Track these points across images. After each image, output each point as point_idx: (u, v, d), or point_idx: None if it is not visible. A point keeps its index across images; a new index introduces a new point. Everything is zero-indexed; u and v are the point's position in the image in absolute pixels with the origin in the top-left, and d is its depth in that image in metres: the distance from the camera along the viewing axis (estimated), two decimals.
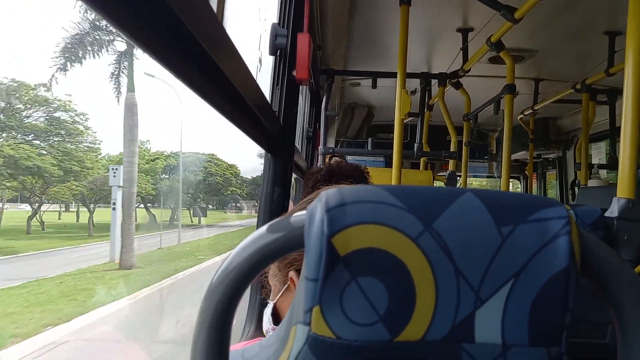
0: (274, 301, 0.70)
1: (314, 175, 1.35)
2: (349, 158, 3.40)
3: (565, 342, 0.32)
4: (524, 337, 0.31)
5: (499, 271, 0.31)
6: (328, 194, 0.32)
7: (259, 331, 1.28)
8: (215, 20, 0.60)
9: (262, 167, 1.33)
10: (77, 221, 23.91)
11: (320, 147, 2.70)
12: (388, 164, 3.36)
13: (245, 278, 0.33)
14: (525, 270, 0.31)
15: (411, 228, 0.30)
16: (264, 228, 0.34)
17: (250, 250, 0.33)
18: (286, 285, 0.66)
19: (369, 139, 2.77)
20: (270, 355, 0.36)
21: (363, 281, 0.30)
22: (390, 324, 0.31)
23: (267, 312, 0.74)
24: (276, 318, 0.71)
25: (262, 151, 1.31)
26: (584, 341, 1.05)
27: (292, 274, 0.62)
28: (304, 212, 0.33)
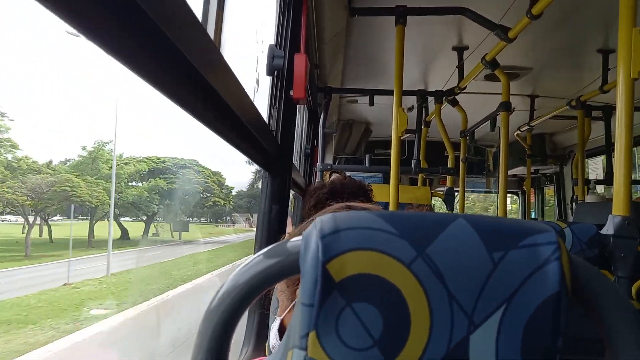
0: (282, 317, 0.71)
1: (315, 192, 1.35)
2: (347, 174, 3.41)
3: None
4: None
5: (491, 296, 0.31)
6: (323, 220, 0.32)
7: (257, 351, 1.27)
8: (211, 46, 0.61)
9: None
10: (41, 235, 19.02)
11: (318, 164, 2.71)
12: (386, 179, 3.37)
13: (242, 302, 0.33)
14: (517, 295, 0.31)
15: (404, 254, 0.31)
16: (260, 253, 0.34)
17: (248, 275, 0.33)
18: (293, 303, 0.66)
19: (367, 155, 2.78)
20: None
21: (358, 306, 0.31)
22: (386, 349, 0.31)
23: (274, 327, 0.74)
24: (283, 334, 0.71)
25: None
26: (582, 358, 1.04)
27: (299, 291, 0.62)
28: (299, 237, 0.33)
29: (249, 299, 0.33)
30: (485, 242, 0.32)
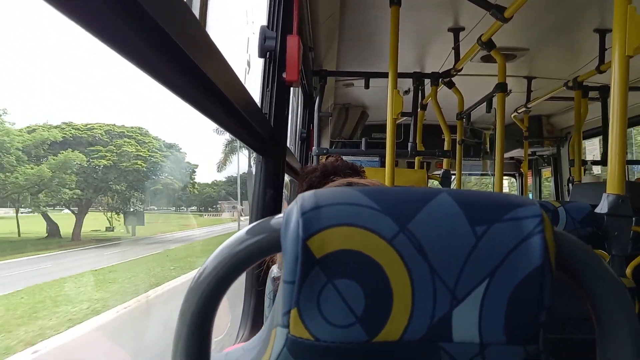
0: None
1: (308, 175, 1.34)
2: (344, 158, 3.39)
3: (542, 340, 0.32)
4: (501, 335, 0.31)
5: (474, 271, 0.31)
6: (304, 197, 0.32)
7: (253, 333, 1.28)
8: (197, 26, 0.60)
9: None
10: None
11: (314, 148, 2.70)
12: (383, 163, 3.37)
13: (224, 280, 0.33)
14: (500, 269, 0.31)
15: (386, 229, 0.31)
16: (243, 230, 0.34)
17: (229, 252, 0.33)
18: None
19: (363, 139, 2.77)
20: (252, 358, 0.37)
21: (339, 283, 0.31)
22: (368, 325, 0.31)
23: (267, 311, 0.74)
24: None
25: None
26: (571, 337, 1.05)
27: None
28: (281, 215, 0.33)
29: (232, 276, 0.33)
30: (468, 216, 0.31)
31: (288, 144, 1.61)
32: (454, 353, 0.32)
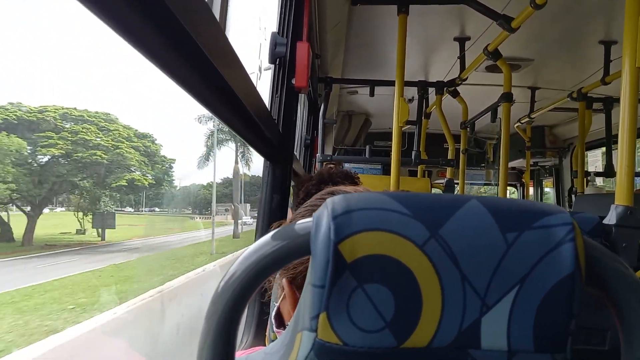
0: (277, 304, 0.71)
1: (304, 184, 1.34)
2: (347, 165, 3.40)
3: (569, 348, 0.32)
4: (529, 343, 0.31)
5: (505, 277, 0.31)
6: (334, 200, 0.32)
7: (257, 340, 1.27)
8: (219, 29, 0.60)
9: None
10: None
11: (318, 155, 2.71)
12: (386, 171, 3.37)
13: (250, 285, 0.33)
14: (531, 276, 0.31)
15: (417, 235, 0.31)
16: (268, 235, 0.34)
17: (255, 257, 0.33)
18: (284, 292, 0.66)
19: (367, 147, 2.78)
20: None
21: (369, 288, 0.30)
22: (397, 331, 0.31)
23: (272, 313, 0.75)
24: (279, 319, 0.72)
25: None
26: (582, 348, 1.04)
27: (284, 281, 0.62)
28: (309, 219, 0.33)
29: (257, 281, 0.33)
30: (498, 222, 0.31)
31: (294, 150, 1.61)
32: None
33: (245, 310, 1.22)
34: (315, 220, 0.32)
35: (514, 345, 0.31)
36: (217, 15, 0.80)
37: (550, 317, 0.31)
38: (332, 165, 1.30)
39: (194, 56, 0.56)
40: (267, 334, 1.30)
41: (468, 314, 0.31)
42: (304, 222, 0.33)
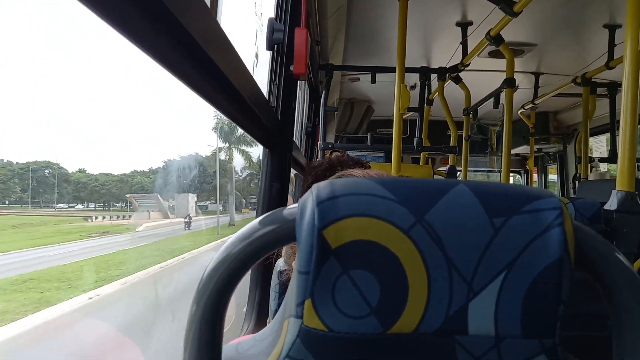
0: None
1: (314, 169, 1.34)
2: (349, 153, 3.38)
3: (558, 334, 0.31)
4: (517, 328, 0.31)
5: (492, 263, 0.31)
6: (319, 186, 0.32)
7: (258, 327, 1.28)
8: (210, 16, 0.60)
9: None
10: None
11: (320, 143, 2.70)
12: (388, 159, 3.36)
13: (237, 271, 0.33)
14: (518, 261, 0.31)
15: (403, 220, 0.30)
16: (256, 221, 0.34)
17: (243, 243, 0.33)
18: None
19: (369, 134, 2.77)
20: (264, 349, 0.36)
21: (355, 274, 0.30)
22: (383, 316, 0.30)
23: (272, 301, 0.75)
24: None
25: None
26: (583, 334, 1.05)
27: (293, 263, 0.62)
28: (296, 205, 0.33)
29: (245, 266, 0.33)
30: (486, 207, 0.31)
31: (294, 139, 1.61)
32: (468, 346, 0.31)
33: (247, 298, 1.22)
34: (301, 206, 0.32)
35: (501, 331, 0.31)
36: (208, 2, 0.79)
37: (539, 302, 0.31)
38: (342, 153, 1.29)
39: (185, 44, 0.55)
40: (268, 321, 1.31)
41: (455, 300, 0.31)
42: (290, 208, 0.33)
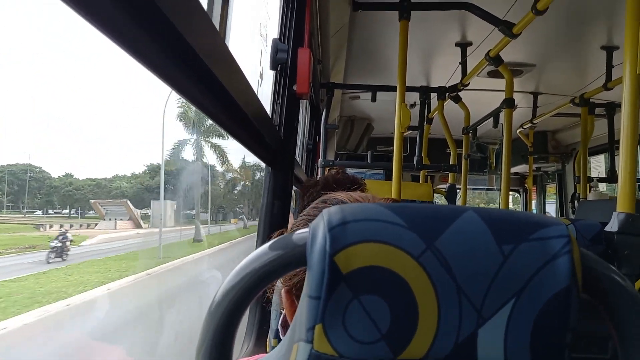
0: (283, 312, 0.72)
1: (308, 190, 1.34)
2: (349, 171, 3.39)
3: None
4: (526, 356, 0.31)
5: (501, 290, 0.31)
6: (330, 211, 0.32)
7: (258, 347, 1.26)
8: (218, 37, 0.61)
9: None
10: None
11: (320, 160, 2.70)
12: (388, 177, 3.36)
13: (247, 295, 0.33)
14: (527, 289, 0.31)
15: (413, 246, 0.30)
16: (266, 245, 0.34)
17: (253, 267, 0.33)
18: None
19: (369, 152, 2.78)
20: None
21: (365, 299, 0.30)
22: (393, 342, 0.30)
23: (272, 320, 0.75)
24: (285, 328, 0.72)
25: None
26: (583, 356, 1.04)
27: (283, 291, 0.62)
28: (306, 230, 0.33)
29: (255, 291, 0.33)
30: (495, 234, 0.31)
31: (295, 156, 1.61)
32: None
33: (246, 317, 1.21)
34: (312, 232, 0.32)
35: (510, 358, 0.31)
36: (216, 23, 0.80)
37: (547, 330, 0.31)
38: (337, 171, 1.29)
39: (193, 64, 0.56)
40: (267, 340, 1.30)
41: (464, 327, 0.31)
42: (300, 233, 0.33)
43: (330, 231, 0.31)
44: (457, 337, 0.31)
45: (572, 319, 0.31)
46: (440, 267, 0.30)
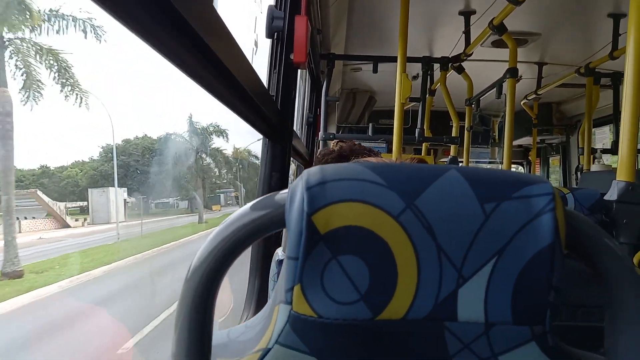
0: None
1: (324, 157, 1.32)
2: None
3: (549, 320, 0.31)
4: (507, 315, 0.31)
5: (482, 249, 0.31)
6: (310, 172, 0.32)
7: None
8: (209, 5, 0.59)
9: None
10: None
11: (321, 133, 2.69)
12: (390, 149, 3.35)
13: (227, 256, 0.33)
14: (509, 247, 0.31)
15: (392, 205, 0.30)
16: (247, 206, 0.34)
17: (232, 228, 0.33)
18: None
19: (370, 124, 2.76)
20: (255, 335, 0.37)
21: (344, 259, 0.30)
22: (372, 303, 0.30)
23: (271, 289, 0.75)
24: None
25: None
26: (582, 325, 1.05)
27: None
28: (286, 190, 0.33)
29: (235, 252, 0.33)
30: (477, 193, 0.31)
31: (295, 128, 1.60)
32: (458, 332, 0.31)
33: (247, 286, 1.22)
34: (290, 192, 0.31)
35: (491, 317, 0.31)
36: None
37: (529, 289, 0.31)
38: (353, 142, 1.28)
39: (184, 33, 0.55)
40: None
41: (444, 286, 0.31)
42: (280, 194, 0.33)
43: (308, 190, 0.30)
44: (437, 296, 0.31)
45: (555, 277, 0.31)
46: (420, 226, 0.30)
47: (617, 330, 0.34)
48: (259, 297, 1.28)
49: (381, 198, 0.30)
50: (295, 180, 0.32)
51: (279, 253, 0.89)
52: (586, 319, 1.03)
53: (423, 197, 0.30)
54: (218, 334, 0.39)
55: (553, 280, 0.31)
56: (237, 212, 0.34)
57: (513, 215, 0.31)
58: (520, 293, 0.31)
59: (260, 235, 0.33)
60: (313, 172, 0.31)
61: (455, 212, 0.30)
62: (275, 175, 1.29)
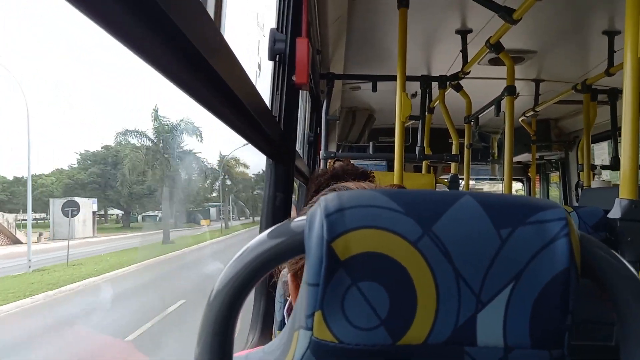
0: (289, 299, 0.72)
1: (317, 178, 1.33)
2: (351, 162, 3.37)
3: (567, 344, 0.31)
4: (525, 339, 0.31)
5: (499, 274, 0.31)
6: (327, 198, 0.32)
7: (263, 338, 1.27)
8: (213, 27, 0.60)
9: None
10: None
11: (322, 152, 2.70)
12: (390, 167, 3.36)
13: (246, 284, 0.33)
14: (525, 272, 0.31)
15: (410, 232, 0.30)
16: (264, 233, 0.34)
17: (251, 256, 0.33)
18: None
19: (371, 143, 2.77)
20: None
21: (364, 285, 0.30)
22: (392, 328, 0.30)
23: (277, 311, 0.75)
24: (291, 312, 0.73)
25: None
26: (589, 343, 1.04)
27: (289, 276, 0.62)
28: (304, 217, 0.33)
29: (254, 279, 0.33)
30: (492, 218, 0.31)
31: (296, 148, 1.61)
32: (478, 357, 0.31)
33: (252, 309, 1.21)
34: (309, 219, 0.32)
35: (510, 342, 0.31)
36: (211, 13, 0.80)
37: (547, 313, 0.31)
38: (347, 162, 1.28)
39: (189, 55, 0.55)
40: (273, 332, 1.30)
41: (463, 311, 0.31)
42: (298, 221, 0.33)
43: (327, 217, 0.31)
44: (457, 321, 0.31)
45: (571, 301, 0.31)
46: (438, 252, 0.30)
47: (631, 352, 0.33)
48: (264, 319, 1.27)
49: (399, 225, 0.30)
50: (313, 207, 0.32)
51: (285, 274, 0.88)
52: (591, 337, 1.02)
53: (440, 223, 0.31)
54: (236, 359, 0.38)
55: (569, 304, 0.31)
56: (255, 240, 0.34)
57: (528, 240, 0.31)
58: (538, 317, 0.31)
59: (279, 262, 0.33)
60: (330, 199, 0.31)
61: (471, 238, 0.31)
62: (279, 196, 1.29)
